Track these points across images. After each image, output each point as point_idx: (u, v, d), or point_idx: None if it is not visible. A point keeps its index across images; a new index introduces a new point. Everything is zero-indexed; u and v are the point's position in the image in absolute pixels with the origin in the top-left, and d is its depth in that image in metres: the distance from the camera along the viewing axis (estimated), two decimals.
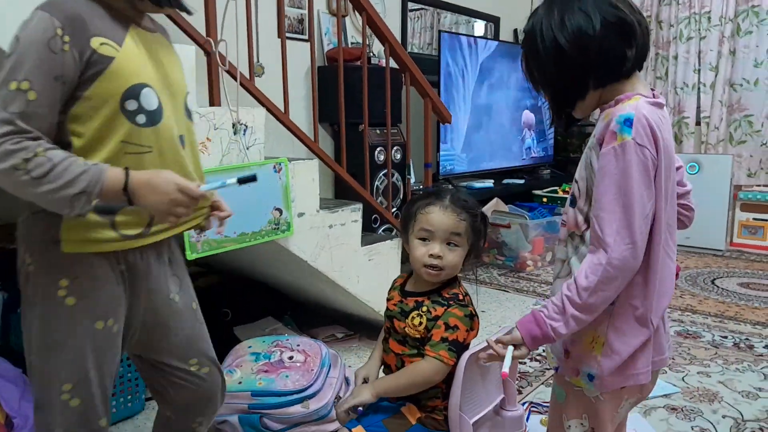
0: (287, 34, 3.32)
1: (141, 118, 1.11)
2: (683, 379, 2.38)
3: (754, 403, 2.20)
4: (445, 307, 1.37)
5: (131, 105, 1.09)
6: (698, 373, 2.45)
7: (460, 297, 1.39)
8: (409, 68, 2.70)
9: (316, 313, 2.98)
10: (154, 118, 1.13)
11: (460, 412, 1.39)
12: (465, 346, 1.37)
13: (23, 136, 1.00)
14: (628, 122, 1.06)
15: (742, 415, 2.10)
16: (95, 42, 1.05)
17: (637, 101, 1.09)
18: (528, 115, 4.99)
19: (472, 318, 1.38)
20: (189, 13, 1.25)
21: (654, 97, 1.14)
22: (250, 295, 2.91)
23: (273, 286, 2.90)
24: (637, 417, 2.05)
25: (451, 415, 1.39)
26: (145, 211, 1.14)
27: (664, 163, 1.09)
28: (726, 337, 2.84)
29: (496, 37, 5.14)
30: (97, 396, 1.19)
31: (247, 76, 2.15)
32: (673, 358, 2.59)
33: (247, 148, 1.97)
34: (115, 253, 1.17)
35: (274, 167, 2.02)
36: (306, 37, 3.50)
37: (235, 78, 1.96)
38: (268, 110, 2.20)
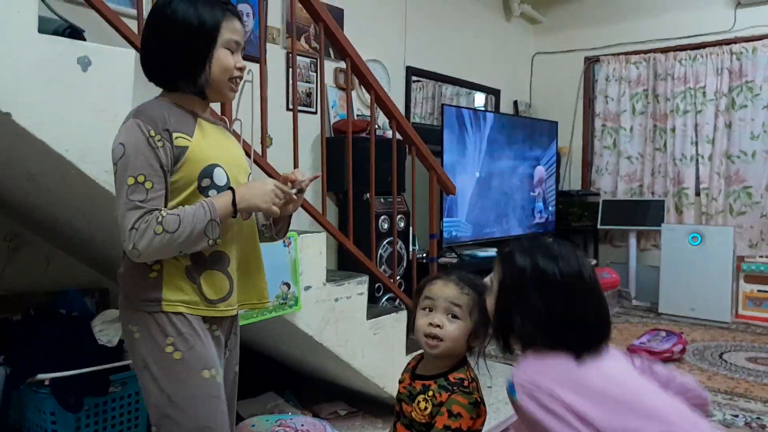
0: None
1: (212, 193, 1.33)
2: None
3: None
4: (450, 393, 1.35)
5: (205, 182, 1.33)
6: None
7: (465, 383, 1.37)
8: (415, 142, 2.76)
9: (317, 388, 2.92)
10: (222, 191, 1.34)
11: None
12: None
13: (149, 214, 1.25)
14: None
15: None
16: (175, 136, 1.30)
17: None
18: (539, 171, 5.07)
19: (477, 405, 1.35)
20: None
21: None
22: (251, 368, 2.85)
23: (274, 359, 2.85)
24: None
25: None
26: (224, 280, 1.36)
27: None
28: (737, 416, 2.77)
29: (496, 108, 5.28)
30: None
31: (259, 151, 2.19)
32: None
33: None
34: (206, 317, 1.36)
35: (284, 242, 2.03)
36: (312, 109, 3.59)
37: (249, 155, 2.00)
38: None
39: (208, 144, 1.36)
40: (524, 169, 4.95)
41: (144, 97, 1.41)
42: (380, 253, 3.62)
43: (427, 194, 3.17)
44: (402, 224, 3.74)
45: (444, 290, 1.40)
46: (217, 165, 1.34)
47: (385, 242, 3.63)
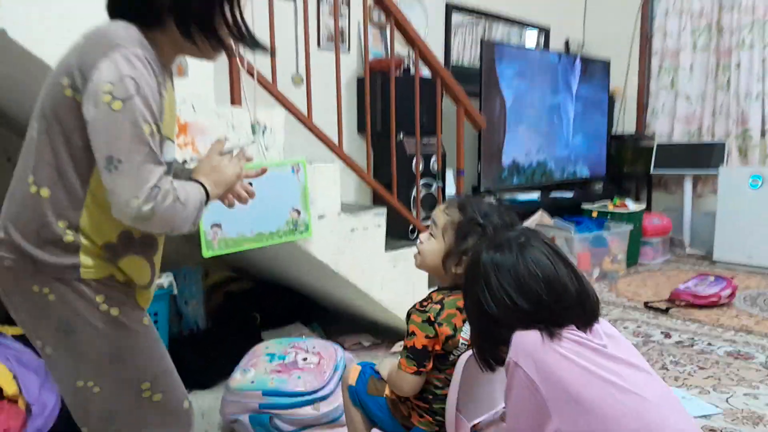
0: (325, 44, 3.38)
1: None
2: (727, 401, 2.21)
3: None
4: (410, 314, 1.37)
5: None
6: (745, 394, 2.26)
7: (424, 303, 1.36)
8: (440, 73, 2.67)
9: (344, 321, 2.97)
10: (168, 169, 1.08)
11: (458, 413, 1.34)
12: (429, 354, 1.34)
13: (167, 176, 1.04)
14: None
15: None
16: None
17: None
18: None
19: (431, 324, 1.32)
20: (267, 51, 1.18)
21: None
22: (281, 300, 2.93)
23: (302, 292, 2.91)
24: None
25: (448, 415, 1.34)
26: (146, 267, 1.17)
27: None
28: None
29: (546, 46, 5.04)
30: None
31: (281, 83, 2.19)
32: (719, 379, 2.41)
33: (266, 149, 1.99)
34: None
35: (293, 168, 2.04)
36: (345, 46, 3.55)
37: (252, 76, 1.99)
38: (292, 113, 2.22)
39: (169, 109, 1.11)
40: (571, 111, 4.74)
41: None
42: (414, 195, 3.57)
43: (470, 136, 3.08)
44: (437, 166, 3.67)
45: (436, 211, 1.42)
46: (169, 139, 1.13)
47: (421, 183, 3.58)
